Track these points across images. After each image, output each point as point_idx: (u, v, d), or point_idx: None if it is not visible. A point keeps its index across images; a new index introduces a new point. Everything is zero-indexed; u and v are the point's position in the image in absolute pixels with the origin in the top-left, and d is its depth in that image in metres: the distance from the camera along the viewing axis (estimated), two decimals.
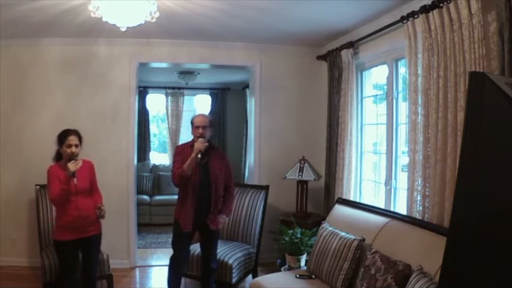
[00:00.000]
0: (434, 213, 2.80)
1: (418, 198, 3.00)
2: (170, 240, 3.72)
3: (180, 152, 3.44)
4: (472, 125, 1.64)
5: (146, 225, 6.67)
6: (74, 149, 3.08)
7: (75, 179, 3.08)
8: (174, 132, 7.94)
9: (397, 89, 3.76)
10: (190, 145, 3.45)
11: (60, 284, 3.23)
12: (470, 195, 1.64)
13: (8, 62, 4.52)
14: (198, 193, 3.40)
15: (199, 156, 3.28)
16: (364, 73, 4.42)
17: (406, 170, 3.32)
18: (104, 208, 3.23)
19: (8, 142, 4.52)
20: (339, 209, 3.66)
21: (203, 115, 3.59)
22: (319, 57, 4.95)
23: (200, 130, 3.38)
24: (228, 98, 8.34)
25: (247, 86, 6.40)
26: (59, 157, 3.20)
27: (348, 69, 4.19)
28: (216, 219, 3.48)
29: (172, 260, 3.54)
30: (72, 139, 3.09)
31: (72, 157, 3.07)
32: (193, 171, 3.36)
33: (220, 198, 3.53)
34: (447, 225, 2.43)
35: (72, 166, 3.02)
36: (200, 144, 3.30)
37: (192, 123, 3.50)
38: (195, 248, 3.84)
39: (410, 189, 3.08)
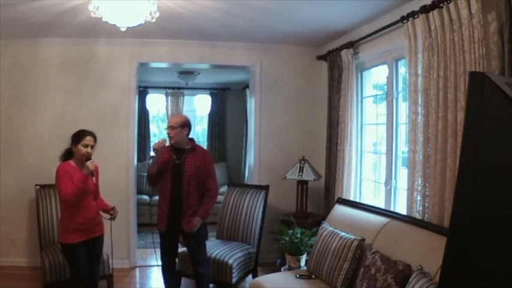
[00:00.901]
0: (434, 213, 2.80)
1: (418, 198, 3.00)
2: None
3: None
4: (472, 125, 1.64)
5: (146, 225, 6.67)
6: (89, 149, 3.11)
7: (93, 178, 3.14)
8: None
9: (397, 89, 3.76)
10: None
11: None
12: (470, 195, 1.63)
13: (8, 61, 4.52)
14: (171, 193, 3.45)
15: (153, 154, 3.41)
16: (364, 73, 4.42)
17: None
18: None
19: (8, 142, 4.52)
20: (339, 209, 3.66)
21: (175, 116, 3.73)
22: (319, 57, 4.95)
23: (168, 130, 3.47)
24: (228, 98, 8.34)
25: (247, 86, 6.40)
26: (67, 156, 3.19)
27: (348, 69, 4.19)
28: (190, 221, 3.40)
29: (161, 261, 3.65)
30: (90, 140, 3.12)
31: (88, 157, 3.10)
32: (168, 171, 3.44)
33: (195, 200, 3.47)
34: (447, 225, 2.43)
35: (91, 165, 3.06)
36: (156, 144, 3.45)
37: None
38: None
39: (410, 189, 3.08)
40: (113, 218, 3.33)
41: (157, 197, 6.91)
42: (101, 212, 3.32)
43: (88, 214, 3.14)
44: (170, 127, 3.45)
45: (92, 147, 3.13)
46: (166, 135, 3.50)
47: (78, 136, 3.12)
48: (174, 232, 3.51)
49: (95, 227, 3.20)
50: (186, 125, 3.52)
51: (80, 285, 3.14)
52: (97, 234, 3.24)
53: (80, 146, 3.09)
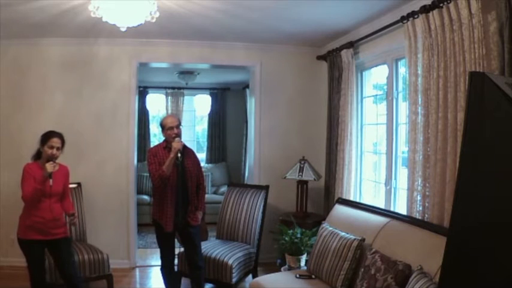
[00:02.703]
0: (434, 213, 2.80)
1: (418, 198, 3.00)
2: None
3: (155, 154, 3.48)
4: (472, 125, 1.65)
5: (146, 225, 6.65)
6: (55, 151, 3.10)
7: (51, 181, 3.07)
8: None
9: (397, 89, 3.76)
10: (163, 147, 3.51)
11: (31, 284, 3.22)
12: (470, 195, 1.64)
13: (8, 62, 4.52)
14: (176, 192, 3.45)
15: (179, 155, 3.36)
16: (364, 73, 4.42)
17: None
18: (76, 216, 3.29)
19: (8, 142, 4.52)
20: (339, 209, 3.66)
21: (172, 115, 3.70)
22: (319, 57, 4.95)
23: (175, 130, 3.45)
24: (228, 98, 8.34)
25: (247, 86, 6.40)
26: (37, 156, 3.20)
27: (348, 69, 4.19)
28: (195, 215, 3.55)
29: (161, 260, 3.64)
30: (56, 141, 3.11)
31: (52, 159, 3.08)
32: (172, 172, 3.42)
33: (195, 195, 3.60)
34: (447, 225, 2.42)
35: (50, 167, 3.02)
36: (178, 144, 3.37)
37: (162, 126, 3.54)
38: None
39: (410, 189, 3.08)
40: (72, 224, 3.25)
41: None
42: (65, 216, 3.28)
43: (47, 215, 3.10)
44: (177, 126, 3.46)
45: (58, 148, 3.12)
46: (171, 136, 3.43)
47: (45, 137, 3.12)
48: (175, 231, 3.55)
49: (55, 229, 3.16)
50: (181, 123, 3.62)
51: (36, 283, 3.15)
52: (59, 236, 3.19)
53: (45, 148, 3.09)
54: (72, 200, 3.68)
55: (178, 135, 3.45)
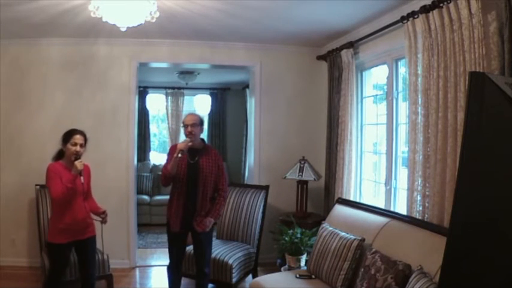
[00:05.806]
0: (434, 213, 2.80)
1: (418, 198, 3.00)
2: None
3: (172, 152, 3.44)
4: (472, 125, 1.65)
5: (146, 225, 6.67)
6: (78, 148, 3.08)
7: (81, 178, 3.07)
8: (174, 132, 7.94)
9: (397, 89, 3.76)
10: None
11: (49, 286, 3.18)
12: (470, 195, 1.64)
13: (8, 61, 4.52)
14: (186, 193, 3.39)
15: (179, 155, 3.27)
16: (364, 73, 4.42)
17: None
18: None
19: (8, 142, 4.52)
20: (339, 209, 3.66)
21: (192, 114, 3.61)
22: (319, 57, 4.95)
23: (189, 128, 3.37)
24: (228, 98, 8.34)
25: (247, 86, 6.40)
26: (59, 156, 3.18)
27: (348, 69, 4.19)
28: (203, 221, 3.39)
29: (169, 259, 3.60)
30: (78, 138, 3.09)
31: (77, 156, 3.06)
32: (182, 171, 3.37)
33: (208, 200, 3.46)
34: (447, 225, 2.42)
35: (79, 164, 3.01)
36: (181, 144, 3.32)
37: (182, 123, 3.51)
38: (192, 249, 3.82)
39: (410, 189, 3.08)
40: (104, 222, 3.24)
41: (158, 197, 7.05)
42: (92, 214, 3.27)
43: (77, 215, 3.09)
44: (192, 125, 3.37)
45: (82, 145, 3.11)
46: (186, 134, 3.39)
47: (67, 135, 3.11)
48: (186, 232, 3.49)
49: (85, 228, 3.15)
50: (202, 123, 3.52)
51: (53, 283, 3.12)
52: (87, 235, 3.19)
53: (68, 145, 3.07)
54: None
55: (192, 133, 3.36)
